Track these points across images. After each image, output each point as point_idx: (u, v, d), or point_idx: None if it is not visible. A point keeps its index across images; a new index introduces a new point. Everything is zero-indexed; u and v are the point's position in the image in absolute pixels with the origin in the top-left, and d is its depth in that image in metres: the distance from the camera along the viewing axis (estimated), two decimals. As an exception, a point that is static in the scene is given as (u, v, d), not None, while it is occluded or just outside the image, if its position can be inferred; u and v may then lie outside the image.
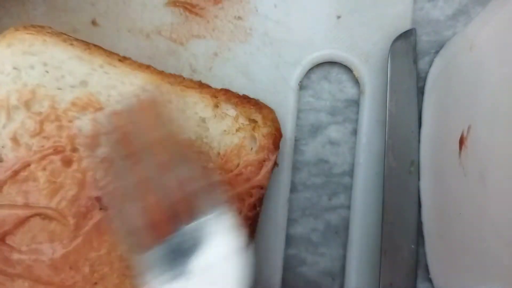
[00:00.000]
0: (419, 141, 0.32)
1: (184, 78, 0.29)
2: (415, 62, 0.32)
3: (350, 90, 0.34)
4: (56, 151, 0.26)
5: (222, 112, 0.28)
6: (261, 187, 0.28)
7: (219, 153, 0.28)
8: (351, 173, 0.34)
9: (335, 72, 0.34)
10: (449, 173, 0.28)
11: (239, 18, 0.33)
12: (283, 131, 0.33)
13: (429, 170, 0.31)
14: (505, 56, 0.23)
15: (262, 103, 0.29)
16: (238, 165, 0.28)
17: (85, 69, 0.27)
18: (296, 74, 0.33)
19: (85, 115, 0.27)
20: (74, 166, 0.26)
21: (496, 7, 0.25)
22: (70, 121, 0.27)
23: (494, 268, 0.23)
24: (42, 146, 0.26)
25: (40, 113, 0.26)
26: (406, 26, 0.33)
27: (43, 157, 0.26)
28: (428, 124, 0.32)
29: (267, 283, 0.32)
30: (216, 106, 0.28)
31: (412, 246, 0.31)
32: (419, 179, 0.32)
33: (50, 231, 0.26)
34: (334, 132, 0.34)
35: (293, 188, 0.34)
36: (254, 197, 0.28)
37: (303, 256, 0.34)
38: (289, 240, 0.34)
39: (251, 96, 0.30)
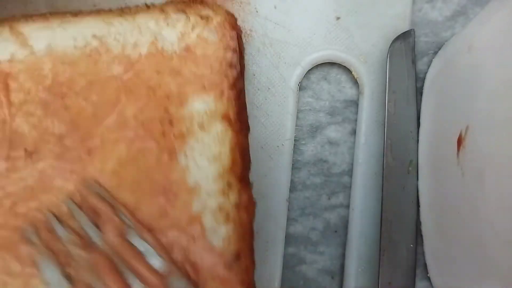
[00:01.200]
0: (417, 141, 0.32)
1: (132, 8, 0.30)
2: (414, 62, 0.32)
3: (349, 91, 0.34)
4: None
5: (174, 19, 0.29)
6: (234, 66, 0.29)
7: (183, 51, 0.29)
8: (350, 172, 0.34)
9: (334, 72, 0.34)
10: (447, 173, 0.28)
11: (240, 19, 0.33)
12: (283, 132, 0.33)
13: (427, 170, 0.31)
14: (504, 57, 0.23)
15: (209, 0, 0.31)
16: (205, 56, 0.29)
17: (48, 32, 0.29)
18: (296, 74, 0.33)
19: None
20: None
21: (495, 8, 0.26)
22: None
23: (492, 267, 0.23)
24: None
25: None
26: (404, 27, 0.33)
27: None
28: (426, 124, 0.32)
29: (267, 282, 0.32)
30: (166, 17, 0.29)
31: (411, 245, 0.31)
32: (417, 179, 0.32)
33: None
34: (333, 132, 0.34)
35: (292, 188, 0.34)
36: (231, 77, 0.28)
37: (303, 255, 0.34)
38: (289, 239, 0.34)
39: (251, 96, 0.30)
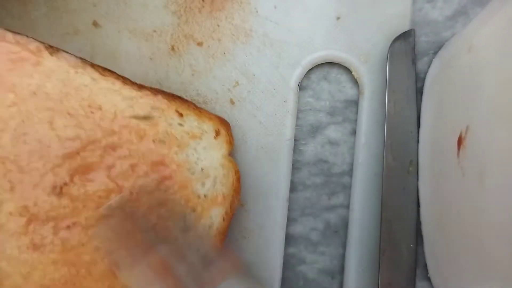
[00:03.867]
0: (418, 141, 0.32)
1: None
2: (414, 62, 0.32)
3: (349, 91, 0.34)
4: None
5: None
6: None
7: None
8: (350, 173, 0.34)
9: (334, 72, 0.34)
10: (448, 173, 0.28)
11: (240, 19, 0.33)
12: (283, 132, 0.33)
13: (428, 170, 0.31)
14: (504, 57, 0.23)
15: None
16: None
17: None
18: (296, 74, 0.33)
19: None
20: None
21: (495, 8, 0.26)
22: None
23: (492, 267, 0.23)
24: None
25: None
26: (405, 26, 0.33)
27: None
28: (427, 124, 0.32)
29: (267, 282, 0.32)
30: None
31: (411, 245, 0.31)
32: (418, 179, 0.32)
33: None
34: (334, 132, 0.34)
35: (292, 188, 0.34)
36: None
37: (303, 255, 0.34)
38: (289, 239, 0.34)
39: (251, 96, 0.30)
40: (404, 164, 0.31)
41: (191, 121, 0.29)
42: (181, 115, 0.29)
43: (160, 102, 0.28)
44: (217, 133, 0.29)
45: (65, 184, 0.27)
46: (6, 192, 0.26)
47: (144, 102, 0.28)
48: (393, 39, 0.32)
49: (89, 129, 0.27)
